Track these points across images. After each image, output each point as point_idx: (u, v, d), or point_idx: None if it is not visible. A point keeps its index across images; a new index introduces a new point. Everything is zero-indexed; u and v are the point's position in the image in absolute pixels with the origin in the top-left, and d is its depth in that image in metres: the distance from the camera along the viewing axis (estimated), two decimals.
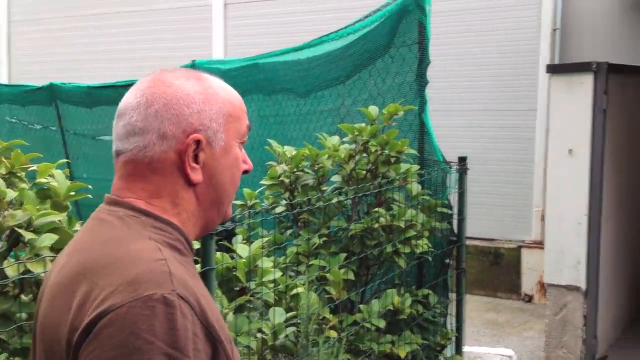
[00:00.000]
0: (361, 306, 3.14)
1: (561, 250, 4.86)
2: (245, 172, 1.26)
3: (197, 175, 1.17)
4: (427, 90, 4.12)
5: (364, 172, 3.38)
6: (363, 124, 3.41)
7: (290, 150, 3.42)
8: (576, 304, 4.83)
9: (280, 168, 3.35)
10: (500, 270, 6.59)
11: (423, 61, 4.21)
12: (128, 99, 1.18)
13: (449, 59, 6.70)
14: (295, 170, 3.34)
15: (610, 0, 6.24)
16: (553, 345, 4.94)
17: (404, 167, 3.45)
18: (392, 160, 3.37)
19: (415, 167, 3.53)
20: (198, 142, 1.16)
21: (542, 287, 6.25)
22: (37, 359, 1.14)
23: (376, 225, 3.19)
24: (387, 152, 3.36)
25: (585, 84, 4.77)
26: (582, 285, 4.78)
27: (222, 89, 1.22)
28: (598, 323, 4.84)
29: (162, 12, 8.69)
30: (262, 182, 3.37)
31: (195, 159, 1.16)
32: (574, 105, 4.80)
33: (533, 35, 6.62)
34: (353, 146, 3.38)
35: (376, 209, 3.27)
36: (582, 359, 4.82)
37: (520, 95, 6.68)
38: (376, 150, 3.32)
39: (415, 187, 3.46)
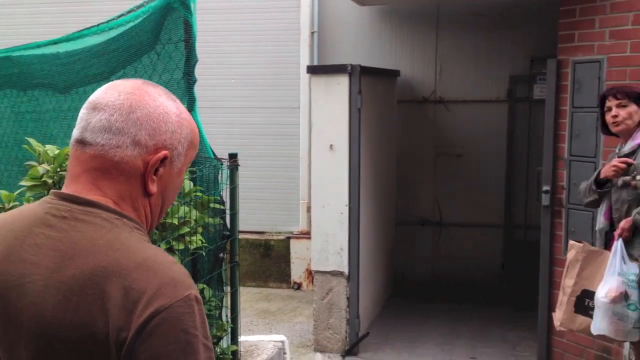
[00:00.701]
0: None
1: (326, 239, 5.21)
2: None
3: (154, 187, 1.26)
4: (195, 88, 4.14)
5: None
6: None
7: (52, 149, 3.22)
8: (340, 287, 5.21)
9: (42, 168, 3.15)
10: (271, 261, 6.86)
11: (190, 59, 4.22)
12: (108, 96, 1.23)
13: (218, 57, 6.78)
14: (59, 170, 3.17)
15: (360, 8, 6.79)
16: (321, 327, 5.27)
17: None
18: None
19: None
20: (164, 158, 1.24)
21: (310, 274, 6.62)
22: (32, 352, 1.16)
23: None
24: None
25: (341, 84, 5.14)
26: (345, 270, 5.17)
27: (190, 118, 1.32)
28: (360, 304, 5.27)
29: None
30: (22, 183, 3.14)
31: (155, 172, 1.25)
32: (332, 104, 5.16)
33: (294, 37, 6.96)
34: None
35: None
36: (346, 338, 5.22)
37: (285, 93, 6.99)
38: None
39: (187, 184, 3.47)
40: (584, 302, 3.67)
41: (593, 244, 4.32)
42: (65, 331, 1.13)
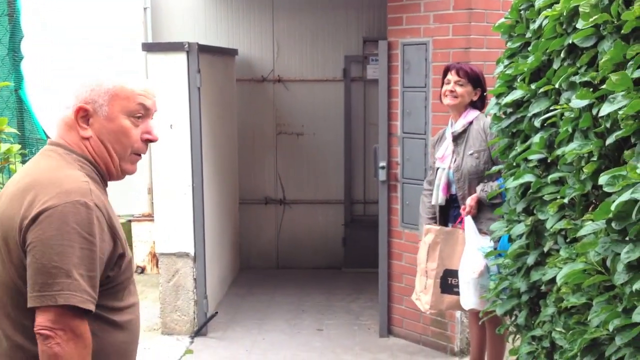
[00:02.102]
0: None
1: (170, 221, 5.12)
2: (150, 140, 1.88)
3: (85, 133, 1.80)
4: (22, 66, 3.88)
5: None
6: None
7: None
8: (187, 269, 5.16)
9: None
10: None
11: (15, 35, 3.97)
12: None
13: (51, 35, 6.34)
14: None
15: None
16: (168, 310, 5.19)
17: (4, 146, 3.24)
18: None
19: (17, 147, 3.34)
20: (86, 110, 1.79)
21: (154, 257, 6.47)
22: None
23: None
24: None
25: (179, 63, 5.04)
26: (191, 251, 5.12)
27: (115, 79, 1.82)
28: (207, 284, 5.25)
29: None
30: None
31: (88, 122, 1.80)
32: (171, 82, 5.05)
33: (128, 12, 6.68)
34: None
35: None
36: (195, 319, 5.19)
37: (120, 71, 6.67)
38: None
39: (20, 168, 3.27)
40: (447, 282, 3.83)
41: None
42: (7, 220, 1.71)
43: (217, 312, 5.43)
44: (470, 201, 3.76)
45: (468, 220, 3.73)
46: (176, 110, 5.04)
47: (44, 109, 4.05)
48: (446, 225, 3.95)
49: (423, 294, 3.91)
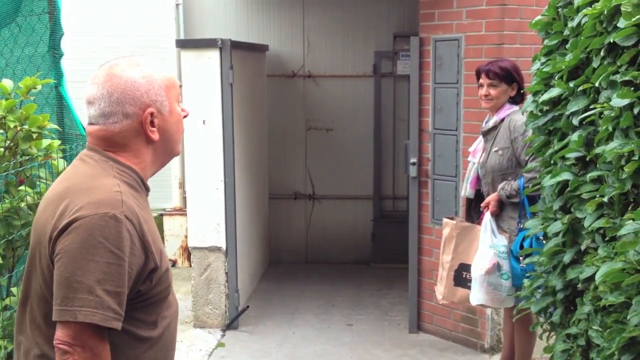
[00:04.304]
0: (14, 289, 2.96)
1: (203, 215, 5.18)
2: (185, 116, 1.84)
3: (155, 135, 1.75)
4: (62, 62, 3.97)
5: (2, 149, 3.14)
6: None
7: None
8: (218, 263, 5.22)
9: None
10: None
11: (56, 32, 4.05)
12: (93, 91, 1.72)
13: (86, 30, 6.46)
14: None
15: None
16: (200, 303, 5.27)
17: (45, 142, 3.31)
18: (34, 136, 3.20)
19: (57, 142, 3.41)
20: (152, 113, 1.73)
21: (185, 251, 6.56)
22: (30, 246, 1.76)
23: (23, 205, 3.02)
24: (27, 127, 3.17)
25: (212, 59, 5.09)
26: (223, 245, 5.18)
27: (155, 70, 1.76)
28: (238, 278, 5.31)
29: None
30: None
31: (152, 124, 1.74)
32: (204, 78, 5.10)
33: (159, 9, 6.77)
34: None
35: (21, 188, 3.08)
36: (226, 312, 5.25)
37: None
38: (15, 126, 3.12)
39: (61, 163, 3.35)
40: (462, 275, 3.90)
41: (457, 212, 4.65)
42: (40, 227, 1.69)
43: (248, 306, 5.49)
44: (490, 198, 3.79)
45: (486, 218, 3.77)
46: (209, 106, 5.10)
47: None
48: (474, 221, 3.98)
49: (440, 285, 4.00)
